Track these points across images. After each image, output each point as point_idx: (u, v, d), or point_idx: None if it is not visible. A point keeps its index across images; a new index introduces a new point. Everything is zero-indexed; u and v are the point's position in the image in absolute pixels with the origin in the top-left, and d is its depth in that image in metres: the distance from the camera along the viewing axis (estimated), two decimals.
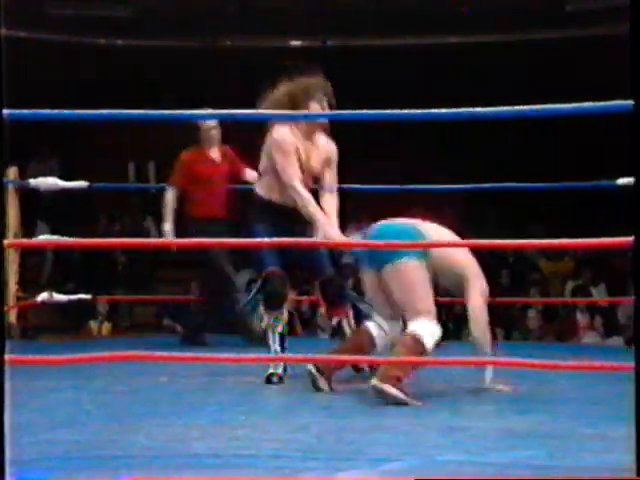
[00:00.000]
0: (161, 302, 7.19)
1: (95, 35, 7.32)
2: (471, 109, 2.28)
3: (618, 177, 4.47)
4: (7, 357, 1.64)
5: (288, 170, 3.29)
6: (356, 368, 3.38)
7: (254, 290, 3.38)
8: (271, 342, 3.29)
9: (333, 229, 3.27)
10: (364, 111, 2.32)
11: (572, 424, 2.56)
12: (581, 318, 6.45)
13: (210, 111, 3.29)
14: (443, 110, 2.28)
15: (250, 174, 4.51)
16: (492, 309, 6.62)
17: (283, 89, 3.34)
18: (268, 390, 3.17)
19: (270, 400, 2.99)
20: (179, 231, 4.60)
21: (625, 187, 4.44)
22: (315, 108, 3.32)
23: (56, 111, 2.29)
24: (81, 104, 2.33)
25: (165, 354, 2.72)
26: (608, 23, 6.69)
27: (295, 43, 7.60)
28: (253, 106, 3.10)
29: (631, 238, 1.91)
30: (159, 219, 7.41)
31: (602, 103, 2.35)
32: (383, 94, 5.78)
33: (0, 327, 1.69)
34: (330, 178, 3.43)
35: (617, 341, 6.41)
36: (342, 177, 3.50)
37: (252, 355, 3.54)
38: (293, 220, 3.30)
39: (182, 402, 2.94)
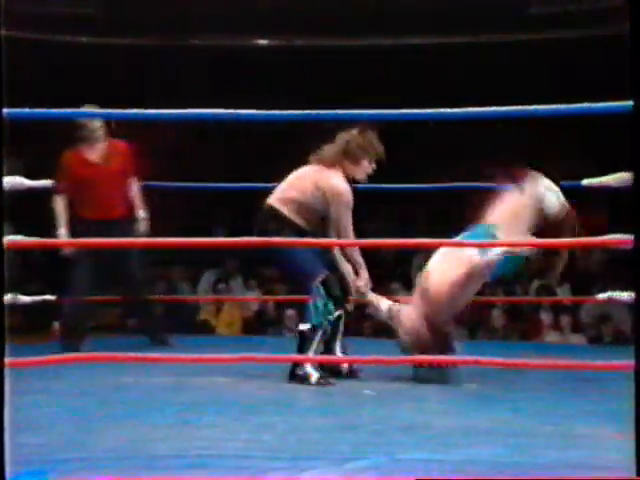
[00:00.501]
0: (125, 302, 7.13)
1: (60, 32, 7.24)
2: (469, 109, 2.30)
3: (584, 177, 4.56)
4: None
5: (348, 227, 3.52)
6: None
7: (320, 299, 3.44)
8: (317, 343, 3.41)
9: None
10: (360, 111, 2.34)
11: (534, 421, 2.59)
12: (545, 317, 6.52)
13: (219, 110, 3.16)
14: (445, 110, 2.29)
15: (133, 189, 4.49)
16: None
17: (346, 137, 3.58)
18: (234, 390, 3.17)
19: (235, 400, 2.98)
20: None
21: (589, 188, 4.52)
22: (365, 165, 3.60)
23: (54, 110, 2.28)
24: (42, 102, 2.31)
25: (130, 355, 2.71)
26: (572, 26, 6.78)
27: (262, 42, 7.60)
28: (220, 104, 3.13)
29: (631, 237, 1.93)
30: None
31: (602, 104, 2.36)
32: (350, 93, 5.80)
33: (0, 327, 1.68)
34: None
35: (580, 339, 6.51)
36: None
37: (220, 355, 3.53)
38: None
39: (148, 403, 2.92)
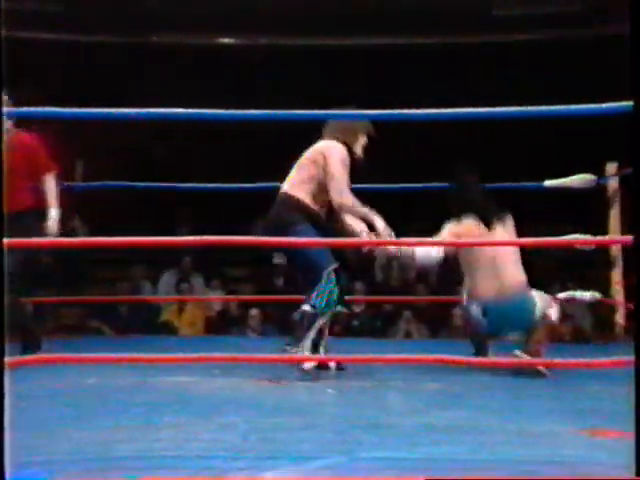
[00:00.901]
0: (87, 303, 7.07)
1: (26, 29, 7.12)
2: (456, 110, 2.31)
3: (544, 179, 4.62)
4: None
5: (344, 183, 3.62)
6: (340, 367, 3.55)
7: (329, 285, 3.52)
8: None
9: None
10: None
11: (495, 419, 2.61)
12: None
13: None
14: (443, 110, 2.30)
15: (47, 185, 4.29)
16: (419, 309, 6.72)
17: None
18: (196, 389, 3.16)
19: (197, 400, 2.96)
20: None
21: (550, 189, 4.59)
22: (361, 139, 3.80)
23: (53, 109, 2.25)
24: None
25: (91, 355, 2.68)
26: (533, 29, 6.86)
27: (225, 41, 7.57)
28: (182, 104, 3.14)
29: (631, 237, 1.95)
30: (86, 219, 7.28)
31: (602, 105, 2.39)
32: (312, 93, 5.80)
33: (0, 327, 1.66)
34: None
35: None
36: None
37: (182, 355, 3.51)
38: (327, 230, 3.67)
39: (109, 404, 2.89)
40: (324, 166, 3.66)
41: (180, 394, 3.07)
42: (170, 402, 2.89)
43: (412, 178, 4.64)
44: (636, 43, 1.82)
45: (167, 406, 2.80)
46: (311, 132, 3.79)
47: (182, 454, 2.15)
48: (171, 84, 7.23)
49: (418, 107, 2.34)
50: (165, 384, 3.23)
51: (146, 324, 6.43)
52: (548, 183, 4.61)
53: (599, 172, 4.68)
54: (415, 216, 6.67)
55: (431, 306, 6.72)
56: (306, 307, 3.51)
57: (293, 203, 3.67)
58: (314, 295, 3.50)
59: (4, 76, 1.63)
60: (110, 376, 3.32)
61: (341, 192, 3.60)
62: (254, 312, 6.56)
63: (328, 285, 3.51)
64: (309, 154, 3.75)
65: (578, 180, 4.51)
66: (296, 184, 3.72)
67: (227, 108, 2.50)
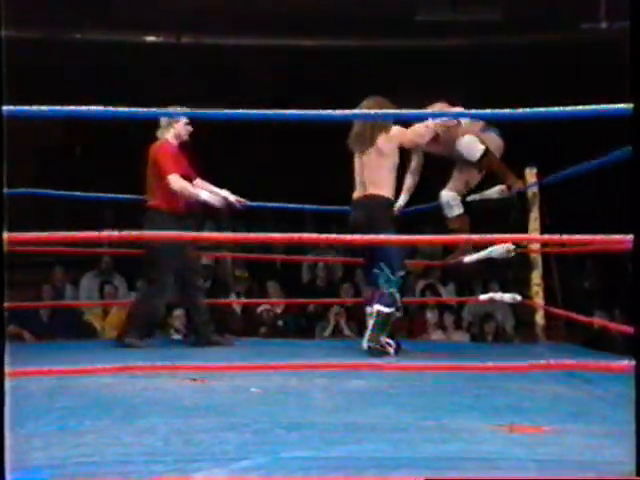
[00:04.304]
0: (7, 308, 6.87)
1: None
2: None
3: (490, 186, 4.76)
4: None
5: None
6: None
7: (396, 282, 4.00)
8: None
9: None
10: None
11: (416, 417, 2.65)
12: (430, 316, 6.69)
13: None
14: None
15: None
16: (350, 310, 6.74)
17: (372, 103, 4.09)
18: (116, 392, 3.09)
19: (119, 402, 2.91)
20: None
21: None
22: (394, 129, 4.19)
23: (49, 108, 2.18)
24: None
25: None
26: (456, 35, 7.00)
27: (150, 39, 7.47)
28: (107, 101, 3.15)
29: (631, 237, 1.97)
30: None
31: (602, 106, 2.42)
32: (236, 93, 5.79)
33: (0, 327, 1.58)
34: None
35: (463, 337, 6.72)
36: None
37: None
38: None
39: (26, 409, 2.81)
40: (398, 147, 4.18)
41: (101, 397, 3.00)
42: (90, 405, 2.83)
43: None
44: (636, 45, 1.85)
45: (87, 410, 2.74)
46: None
47: (101, 460, 2.11)
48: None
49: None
50: (86, 387, 3.15)
51: (68, 328, 6.29)
52: (470, 198, 4.79)
53: (519, 177, 4.80)
54: None
55: (359, 306, 6.77)
56: (376, 305, 3.98)
57: (378, 200, 4.15)
58: (387, 300, 3.97)
59: (4, 76, 1.60)
60: (25, 380, 3.23)
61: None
62: (178, 313, 6.47)
63: (395, 289, 4.00)
64: (377, 160, 4.15)
65: (496, 191, 4.72)
66: (379, 184, 4.16)
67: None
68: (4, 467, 1.52)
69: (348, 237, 3.28)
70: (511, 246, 4.62)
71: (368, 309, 4.20)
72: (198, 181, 4.62)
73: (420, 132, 4.23)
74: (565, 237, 2.45)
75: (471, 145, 4.47)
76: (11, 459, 2.07)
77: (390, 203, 4.16)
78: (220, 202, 4.51)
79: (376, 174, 4.11)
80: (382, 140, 4.11)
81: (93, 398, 2.97)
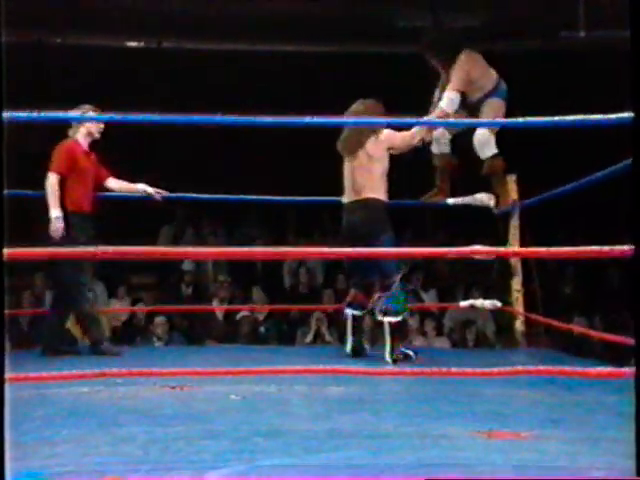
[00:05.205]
0: None
1: None
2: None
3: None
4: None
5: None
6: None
7: (401, 290, 4.14)
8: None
9: None
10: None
11: (396, 423, 2.65)
12: (412, 322, 6.70)
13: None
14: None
15: None
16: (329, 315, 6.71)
17: (363, 106, 4.17)
18: (94, 400, 3.07)
19: (97, 410, 2.88)
20: None
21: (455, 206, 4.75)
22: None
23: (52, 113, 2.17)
24: None
25: None
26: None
27: (131, 44, 7.46)
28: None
29: (631, 247, 1.97)
30: None
31: (601, 116, 2.42)
32: (218, 98, 5.76)
33: (0, 327, 1.61)
34: None
35: (444, 343, 6.73)
36: None
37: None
38: None
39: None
40: (389, 150, 4.21)
41: (79, 405, 2.98)
42: (68, 414, 2.81)
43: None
44: (636, 53, 1.86)
45: (65, 419, 2.72)
46: None
47: (78, 469, 2.09)
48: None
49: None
50: (64, 395, 3.13)
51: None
52: (452, 201, 4.80)
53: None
54: None
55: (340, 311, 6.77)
56: (393, 319, 4.04)
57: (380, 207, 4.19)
58: (394, 306, 4.03)
59: (4, 78, 1.59)
60: (8, 389, 3.19)
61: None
62: (160, 320, 6.45)
63: (400, 292, 4.10)
64: (367, 165, 4.17)
65: (479, 198, 4.73)
66: (371, 187, 4.22)
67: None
68: (4, 467, 1.51)
69: (330, 250, 3.29)
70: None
71: (348, 311, 4.21)
72: (111, 180, 4.61)
73: (411, 134, 4.26)
74: (543, 250, 2.46)
75: (485, 143, 4.44)
76: None
77: (386, 206, 4.17)
78: (56, 232, 4.31)
79: (369, 178, 4.12)
80: (372, 144, 4.13)
81: (70, 407, 2.95)
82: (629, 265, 2.02)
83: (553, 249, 2.42)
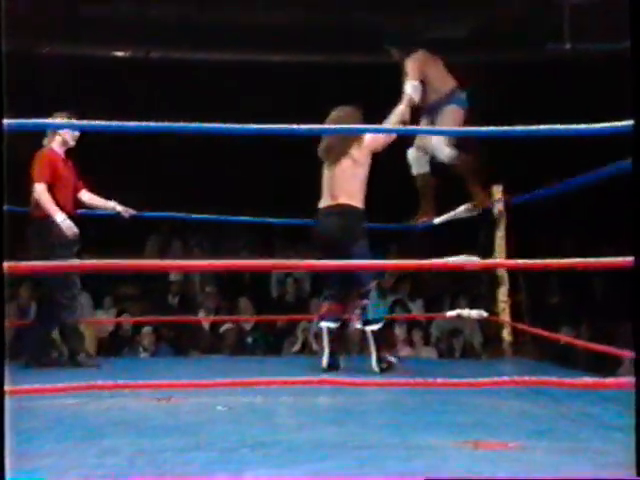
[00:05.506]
0: None
1: None
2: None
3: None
4: None
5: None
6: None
7: (377, 297, 4.12)
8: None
9: None
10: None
11: (381, 434, 2.65)
12: (399, 331, 6.70)
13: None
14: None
15: None
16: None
17: (342, 113, 4.16)
18: (82, 412, 3.06)
19: (82, 423, 2.87)
20: None
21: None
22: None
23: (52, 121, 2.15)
24: None
25: None
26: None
27: (119, 53, 7.45)
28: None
29: (631, 259, 1.97)
30: None
31: (601, 125, 2.41)
32: (206, 107, 5.77)
33: (0, 328, 1.58)
34: None
35: (431, 353, 6.74)
36: None
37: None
38: None
39: None
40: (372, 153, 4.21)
41: (64, 417, 2.96)
42: (53, 427, 2.79)
43: None
44: (636, 63, 1.87)
45: (50, 431, 2.70)
46: None
47: None
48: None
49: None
50: (49, 407, 3.11)
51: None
52: (437, 220, 4.83)
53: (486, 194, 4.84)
54: None
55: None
56: (373, 327, 4.06)
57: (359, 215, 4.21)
58: (372, 314, 4.05)
59: (5, 83, 1.59)
60: None
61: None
62: (146, 330, 6.43)
63: (376, 300, 4.10)
64: (350, 169, 4.19)
65: (463, 210, 4.76)
66: (350, 195, 4.24)
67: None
68: (4, 467, 1.50)
69: (317, 262, 3.31)
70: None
71: (323, 324, 4.19)
72: (85, 193, 4.61)
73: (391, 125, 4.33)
74: (528, 262, 2.47)
75: (439, 147, 4.53)
76: None
77: (363, 214, 4.20)
78: (71, 231, 4.38)
79: (350, 184, 4.14)
80: (356, 149, 4.16)
81: (56, 419, 2.93)
82: (628, 276, 2.01)
83: (553, 260, 2.43)
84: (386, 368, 4.07)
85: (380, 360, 4.07)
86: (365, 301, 4.09)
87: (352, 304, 4.18)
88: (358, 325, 4.15)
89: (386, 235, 5.14)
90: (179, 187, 7.38)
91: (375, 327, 4.09)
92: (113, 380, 2.51)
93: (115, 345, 6.56)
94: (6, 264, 1.91)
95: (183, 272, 7.14)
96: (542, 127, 2.52)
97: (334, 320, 4.19)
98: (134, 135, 3.25)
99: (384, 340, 4.23)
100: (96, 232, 4.84)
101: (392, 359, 4.17)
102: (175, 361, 5.62)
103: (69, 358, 4.51)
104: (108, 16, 6.64)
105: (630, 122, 2.18)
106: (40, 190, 4.39)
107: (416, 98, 4.48)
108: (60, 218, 4.36)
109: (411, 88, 4.48)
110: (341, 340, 5.19)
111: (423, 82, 4.56)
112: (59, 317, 4.52)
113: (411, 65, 4.57)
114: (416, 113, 4.58)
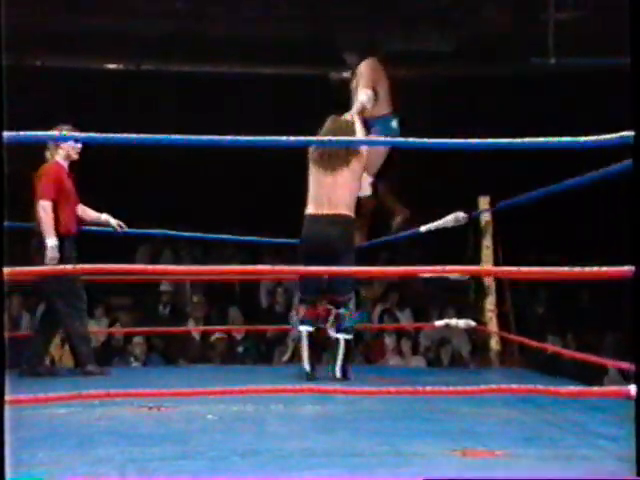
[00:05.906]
0: None
1: None
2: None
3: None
4: None
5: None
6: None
7: (354, 306, 4.21)
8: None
9: None
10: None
11: (371, 441, 2.67)
12: (388, 341, 6.74)
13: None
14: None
15: None
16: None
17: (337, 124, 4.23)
18: (73, 421, 3.07)
19: (74, 432, 2.87)
20: None
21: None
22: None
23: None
24: None
25: None
26: (407, 65, 7.11)
27: (110, 66, 7.48)
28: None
29: (631, 268, 1.99)
30: None
31: (601, 137, 2.43)
32: (198, 119, 5.81)
33: (0, 329, 1.57)
34: None
35: (419, 362, 6.77)
36: None
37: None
38: None
39: None
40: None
41: (56, 427, 2.97)
42: (45, 436, 2.79)
43: None
44: (636, 75, 1.89)
45: (41, 441, 2.70)
46: None
47: None
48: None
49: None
50: (40, 417, 3.11)
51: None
52: (424, 228, 4.84)
53: (473, 206, 4.88)
54: None
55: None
56: (346, 336, 4.10)
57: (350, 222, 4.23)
58: (345, 321, 4.10)
59: (4, 89, 1.61)
60: None
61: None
62: (137, 340, 6.43)
63: (353, 309, 4.19)
64: (347, 173, 4.20)
65: (451, 220, 4.76)
66: (345, 204, 4.25)
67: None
68: (4, 467, 1.52)
69: (303, 268, 3.32)
70: (463, 215, 4.66)
71: (303, 328, 4.16)
72: (79, 207, 4.61)
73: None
74: (516, 269, 2.51)
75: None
76: None
77: (354, 226, 4.25)
78: (53, 261, 4.29)
79: (349, 195, 4.18)
80: (355, 161, 4.18)
81: (47, 428, 2.93)
82: (631, 286, 2.02)
83: (553, 269, 2.45)
84: (345, 379, 4.07)
85: (344, 370, 4.07)
86: (341, 310, 4.10)
87: (325, 312, 4.17)
88: (332, 333, 4.14)
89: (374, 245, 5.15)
90: (169, 200, 7.40)
91: (348, 337, 4.12)
92: (105, 389, 2.52)
93: (107, 355, 6.56)
94: (6, 269, 1.93)
95: (174, 281, 7.14)
96: (526, 140, 2.56)
97: (310, 324, 4.17)
98: (127, 147, 3.27)
99: (352, 352, 4.23)
100: (87, 240, 4.83)
101: (351, 376, 4.13)
102: (166, 370, 5.62)
103: (78, 367, 4.49)
104: (101, 29, 6.67)
105: (619, 134, 2.23)
106: (44, 209, 4.37)
107: (368, 106, 4.45)
108: (50, 243, 4.32)
109: (365, 97, 4.44)
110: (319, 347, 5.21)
111: (372, 87, 4.50)
112: (58, 327, 4.52)
113: (366, 70, 4.52)
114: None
